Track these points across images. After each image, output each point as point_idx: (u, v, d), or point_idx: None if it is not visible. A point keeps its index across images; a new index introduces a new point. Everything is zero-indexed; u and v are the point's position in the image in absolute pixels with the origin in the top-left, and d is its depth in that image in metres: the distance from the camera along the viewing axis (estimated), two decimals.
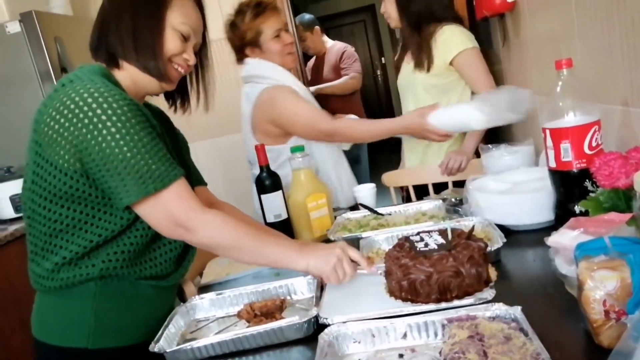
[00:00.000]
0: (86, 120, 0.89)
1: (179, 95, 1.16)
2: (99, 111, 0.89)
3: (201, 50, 1.12)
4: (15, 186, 2.20)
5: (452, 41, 1.84)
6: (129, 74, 1.02)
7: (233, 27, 1.75)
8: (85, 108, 0.89)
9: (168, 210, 0.93)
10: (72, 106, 0.90)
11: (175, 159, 1.10)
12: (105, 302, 0.99)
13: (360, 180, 1.93)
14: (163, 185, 0.92)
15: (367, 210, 1.48)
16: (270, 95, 1.72)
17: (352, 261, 1.00)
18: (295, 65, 1.83)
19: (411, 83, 1.96)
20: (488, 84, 1.85)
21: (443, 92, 1.91)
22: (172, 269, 1.07)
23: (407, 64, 1.96)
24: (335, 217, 1.47)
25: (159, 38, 1.01)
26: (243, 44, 1.75)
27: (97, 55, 1.03)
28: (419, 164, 2.00)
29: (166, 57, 1.02)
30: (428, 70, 1.88)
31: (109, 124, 0.89)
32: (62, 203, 0.96)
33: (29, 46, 2.40)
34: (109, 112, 0.89)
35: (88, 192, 0.95)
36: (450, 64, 1.86)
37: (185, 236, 0.95)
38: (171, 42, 1.02)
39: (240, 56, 1.79)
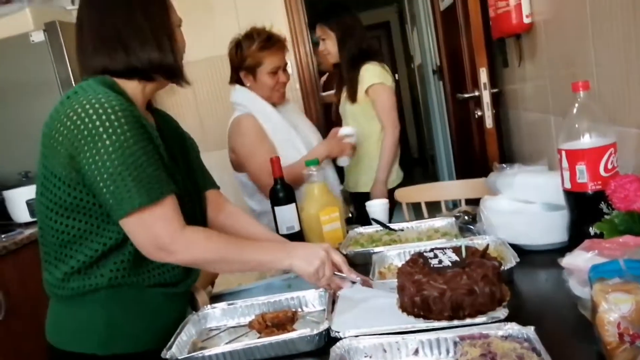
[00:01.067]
0: (85, 132, 0.90)
1: None
2: (97, 122, 0.90)
3: None
4: (31, 191, 2.22)
5: (368, 75, 2.16)
6: (135, 82, 1.03)
7: (238, 48, 1.84)
8: (87, 119, 0.90)
9: (151, 231, 0.93)
10: (75, 117, 0.91)
11: (181, 163, 1.11)
12: (116, 309, 1.01)
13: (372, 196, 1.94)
14: (150, 200, 0.91)
15: (379, 225, 1.49)
16: (238, 123, 1.85)
17: (335, 265, 1.04)
18: (281, 102, 1.95)
19: (344, 112, 2.29)
20: (389, 120, 2.18)
21: (367, 120, 2.20)
22: (181, 276, 1.07)
23: (343, 95, 2.28)
24: (347, 231, 1.48)
25: (173, 42, 1.03)
26: (240, 67, 1.84)
27: (111, 73, 1.01)
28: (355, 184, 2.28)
29: (182, 54, 1.05)
30: (354, 101, 2.18)
31: (104, 136, 0.89)
32: (67, 214, 0.97)
33: (52, 55, 2.45)
34: (107, 123, 0.90)
35: (92, 202, 0.96)
36: (367, 94, 2.17)
37: (167, 259, 0.96)
38: (180, 37, 1.05)
39: (234, 76, 1.88)
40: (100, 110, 0.90)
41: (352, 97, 2.19)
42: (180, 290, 1.09)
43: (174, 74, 1.05)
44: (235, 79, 1.88)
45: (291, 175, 1.63)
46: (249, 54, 1.81)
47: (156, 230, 0.93)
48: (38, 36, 2.46)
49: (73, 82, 2.45)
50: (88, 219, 0.97)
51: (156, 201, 0.92)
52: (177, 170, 1.08)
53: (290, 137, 1.87)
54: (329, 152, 1.89)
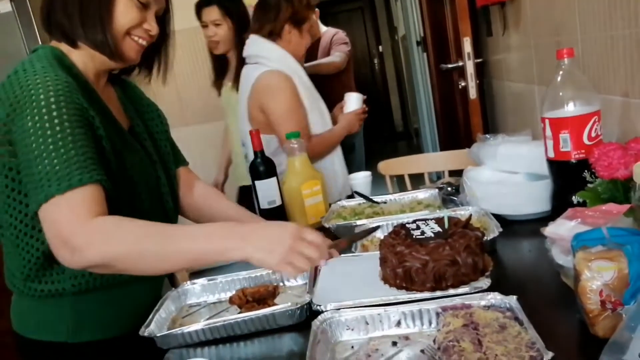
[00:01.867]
0: (19, 115, 0.83)
1: (143, 62, 1.06)
2: (26, 104, 0.82)
3: (164, 16, 1.01)
4: None
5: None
6: (84, 52, 0.95)
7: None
8: (20, 102, 0.83)
9: (57, 220, 0.79)
10: (9, 101, 0.85)
11: (147, 140, 1.05)
12: (85, 299, 0.96)
13: (355, 169, 1.92)
14: (61, 189, 0.78)
15: (362, 198, 1.47)
16: (271, 79, 1.71)
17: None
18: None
19: (228, 102, 2.12)
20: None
21: None
22: None
23: (226, 85, 2.13)
24: (329, 205, 1.46)
25: (107, 11, 0.91)
26: (289, 19, 1.74)
27: (51, 34, 0.96)
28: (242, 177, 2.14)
29: (121, 31, 0.93)
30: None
31: (28, 117, 0.82)
32: (5, 208, 0.91)
33: (20, 26, 2.35)
34: (34, 104, 0.82)
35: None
36: None
37: (72, 259, 0.79)
38: (127, 14, 0.92)
39: (277, 29, 1.75)
40: (32, 91, 0.83)
41: None
42: (152, 277, 1.04)
43: (103, 49, 0.94)
44: (278, 32, 1.74)
45: (323, 146, 1.59)
46: (302, 8, 1.75)
47: (59, 219, 0.79)
48: (4, 6, 2.35)
49: None
50: (23, 217, 0.90)
51: (71, 188, 0.79)
52: (138, 146, 1.02)
53: (317, 102, 1.81)
54: (350, 129, 1.84)
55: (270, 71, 1.71)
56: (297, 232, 0.80)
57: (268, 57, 1.74)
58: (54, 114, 0.82)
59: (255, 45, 1.76)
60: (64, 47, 0.95)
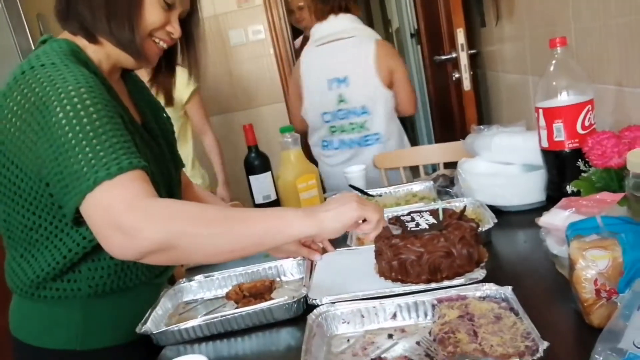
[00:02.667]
0: (47, 116, 0.77)
1: (165, 66, 1.02)
2: (55, 103, 0.76)
3: (191, 19, 0.96)
4: None
5: (183, 82, 2.06)
6: (101, 48, 0.89)
7: None
8: (44, 97, 0.77)
9: (108, 207, 0.71)
10: (33, 99, 0.78)
11: (160, 137, 1.03)
12: (95, 304, 0.94)
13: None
14: (110, 174, 0.72)
15: (357, 191, 1.47)
16: (386, 46, 2.00)
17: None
18: None
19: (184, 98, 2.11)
20: (209, 122, 2.21)
21: (184, 126, 2.16)
22: (164, 267, 1.01)
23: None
24: (325, 199, 1.46)
25: (137, 8, 0.86)
26: None
27: (67, 25, 0.90)
28: None
29: (145, 31, 0.88)
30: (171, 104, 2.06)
31: (61, 115, 0.76)
32: (33, 210, 0.87)
33: (10, 23, 2.32)
34: (65, 99, 0.76)
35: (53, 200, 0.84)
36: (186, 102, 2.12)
37: (128, 244, 0.71)
38: (152, 14, 0.87)
39: (358, 4, 2.00)
40: (58, 84, 0.77)
41: (170, 100, 2.00)
42: (162, 281, 1.04)
43: (128, 48, 0.89)
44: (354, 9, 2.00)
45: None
46: None
47: (111, 202, 0.71)
48: None
49: None
50: (52, 219, 0.87)
51: (122, 172, 0.73)
52: (153, 143, 0.99)
53: None
54: None
55: (380, 39, 1.99)
56: (356, 196, 0.83)
57: (362, 29, 1.99)
58: (88, 102, 0.76)
59: (344, 21, 1.97)
60: (80, 41, 0.89)
